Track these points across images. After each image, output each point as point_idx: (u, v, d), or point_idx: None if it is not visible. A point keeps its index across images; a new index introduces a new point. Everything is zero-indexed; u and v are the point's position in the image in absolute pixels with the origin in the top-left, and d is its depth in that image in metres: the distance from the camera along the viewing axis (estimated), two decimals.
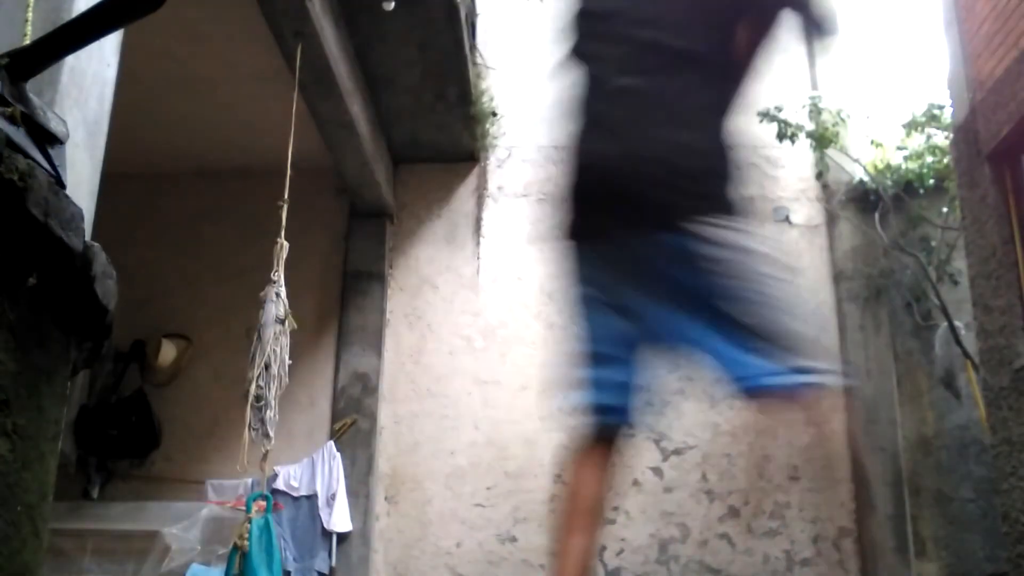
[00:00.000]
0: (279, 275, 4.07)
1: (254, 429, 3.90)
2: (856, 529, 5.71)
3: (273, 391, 3.94)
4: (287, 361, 4.03)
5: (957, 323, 5.44)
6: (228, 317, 6.09)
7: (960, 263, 5.43)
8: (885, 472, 5.75)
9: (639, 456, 5.94)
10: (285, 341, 4.02)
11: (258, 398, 3.92)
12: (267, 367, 3.93)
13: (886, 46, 6.54)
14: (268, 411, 3.94)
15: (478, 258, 6.41)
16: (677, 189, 1.90)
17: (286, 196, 4.24)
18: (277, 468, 5.62)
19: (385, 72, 5.50)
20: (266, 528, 4.38)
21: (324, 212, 6.34)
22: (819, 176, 6.24)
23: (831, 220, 6.36)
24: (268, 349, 3.96)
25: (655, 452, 5.95)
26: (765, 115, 5.93)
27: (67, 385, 1.62)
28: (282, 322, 3.98)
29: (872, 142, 6.13)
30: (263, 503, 4.59)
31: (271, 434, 3.96)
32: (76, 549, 5.06)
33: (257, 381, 3.89)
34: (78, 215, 1.54)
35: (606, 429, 2.00)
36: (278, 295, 4.02)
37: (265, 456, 3.96)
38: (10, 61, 1.56)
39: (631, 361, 1.99)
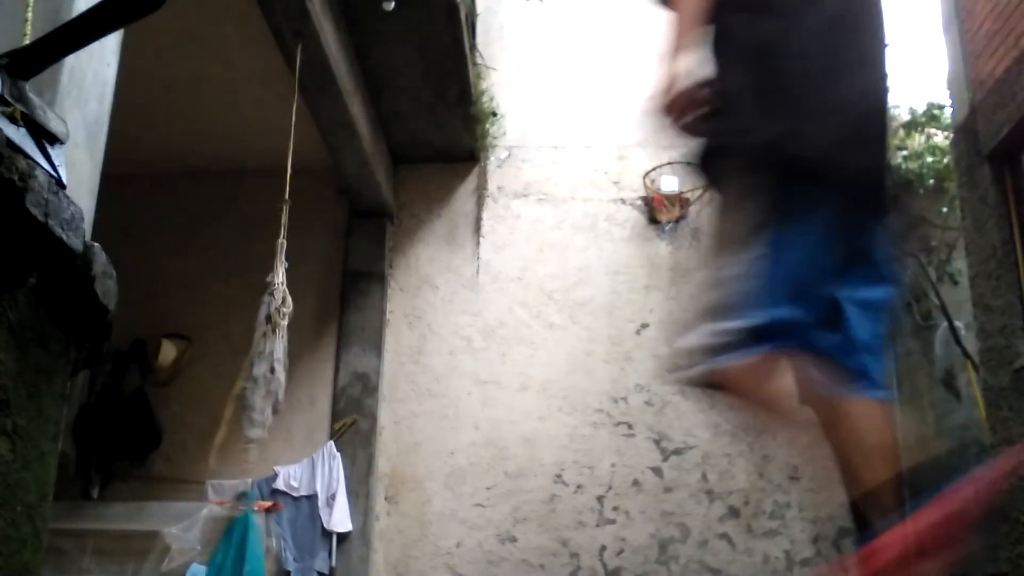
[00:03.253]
0: (278, 276, 4.07)
1: (246, 422, 3.93)
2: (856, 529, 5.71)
3: (260, 393, 3.95)
4: (281, 361, 4.02)
5: (957, 323, 5.44)
6: (228, 317, 6.08)
7: (960, 263, 5.43)
8: None
9: (639, 456, 5.95)
10: (279, 343, 4.02)
11: (243, 397, 3.94)
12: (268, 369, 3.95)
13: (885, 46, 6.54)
14: (252, 411, 3.95)
15: (478, 258, 6.41)
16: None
17: (287, 196, 4.25)
18: (277, 468, 5.62)
19: (385, 72, 5.50)
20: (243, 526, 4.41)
21: (324, 212, 6.33)
22: None
23: None
24: (263, 349, 3.97)
25: (655, 452, 5.95)
26: None
27: (67, 385, 1.62)
28: (269, 322, 3.98)
29: None
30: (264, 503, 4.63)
31: (249, 434, 3.98)
32: (76, 549, 5.06)
33: (245, 380, 3.91)
34: (78, 215, 1.54)
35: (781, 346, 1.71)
36: (272, 295, 4.03)
37: (215, 449, 3.97)
38: (10, 61, 1.57)
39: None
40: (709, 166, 1.80)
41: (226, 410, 4.01)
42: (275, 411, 4.09)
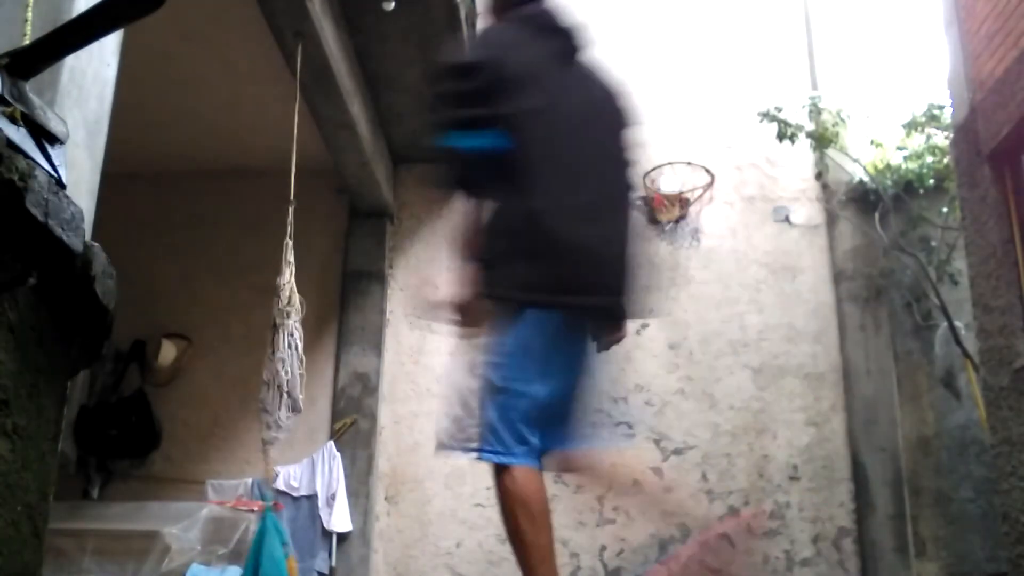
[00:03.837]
0: (284, 276, 4.07)
1: (262, 425, 3.95)
2: (856, 529, 5.72)
3: (271, 395, 3.96)
4: (289, 361, 4.03)
5: (957, 323, 5.44)
6: (228, 317, 6.09)
7: (960, 263, 5.43)
8: (885, 472, 5.75)
9: (639, 456, 5.95)
10: (284, 343, 4.02)
11: (261, 401, 3.95)
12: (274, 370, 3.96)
13: (886, 46, 6.54)
14: (266, 414, 3.96)
15: None
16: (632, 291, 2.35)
17: (292, 196, 4.25)
18: (277, 468, 5.62)
19: (385, 72, 5.50)
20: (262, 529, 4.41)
21: (324, 212, 6.34)
22: (819, 176, 6.24)
23: (831, 220, 6.36)
24: (270, 352, 3.98)
25: (655, 452, 5.95)
26: (765, 115, 5.94)
27: (67, 385, 1.62)
28: (275, 325, 3.99)
29: (872, 142, 6.12)
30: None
31: (263, 436, 3.99)
32: (76, 549, 5.05)
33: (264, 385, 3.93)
34: (78, 215, 1.54)
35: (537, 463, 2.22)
36: (278, 296, 4.03)
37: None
38: (10, 61, 1.57)
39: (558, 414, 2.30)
40: (489, 300, 2.25)
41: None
42: (294, 410, 4.09)
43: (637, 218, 2.47)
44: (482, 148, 2.21)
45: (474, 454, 2.19)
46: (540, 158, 2.22)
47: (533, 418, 2.18)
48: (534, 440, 2.18)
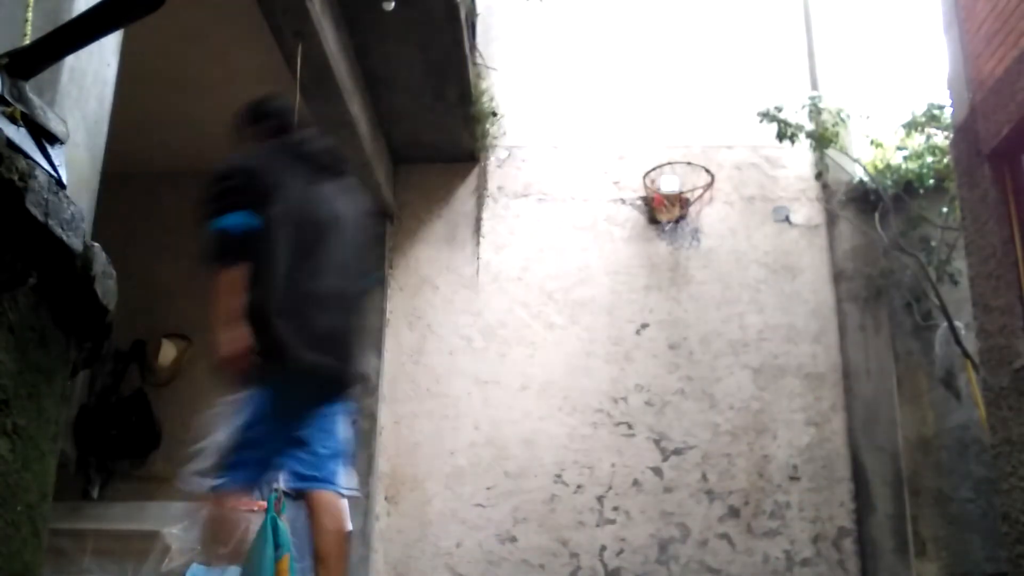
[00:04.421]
0: None
1: None
2: (856, 529, 5.72)
3: None
4: None
5: (957, 323, 5.44)
6: None
7: (960, 263, 5.43)
8: (885, 472, 5.75)
9: (639, 456, 5.95)
10: None
11: None
12: None
13: (886, 46, 6.55)
14: None
15: (478, 258, 6.41)
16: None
17: None
18: None
19: (385, 72, 5.50)
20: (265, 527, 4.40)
21: None
22: (819, 176, 6.24)
23: (831, 220, 6.36)
24: None
25: (655, 452, 5.95)
26: (765, 115, 5.94)
27: (67, 385, 1.62)
28: None
29: (872, 142, 6.13)
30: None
31: None
32: (76, 549, 5.05)
33: None
34: (78, 215, 1.54)
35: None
36: None
37: None
38: (10, 61, 1.57)
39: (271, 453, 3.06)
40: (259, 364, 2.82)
41: None
42: None
43: (366, 306, 3.23)
44: (236, 226, 2.78)
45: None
46: (284, 254, 2.81)
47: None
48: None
